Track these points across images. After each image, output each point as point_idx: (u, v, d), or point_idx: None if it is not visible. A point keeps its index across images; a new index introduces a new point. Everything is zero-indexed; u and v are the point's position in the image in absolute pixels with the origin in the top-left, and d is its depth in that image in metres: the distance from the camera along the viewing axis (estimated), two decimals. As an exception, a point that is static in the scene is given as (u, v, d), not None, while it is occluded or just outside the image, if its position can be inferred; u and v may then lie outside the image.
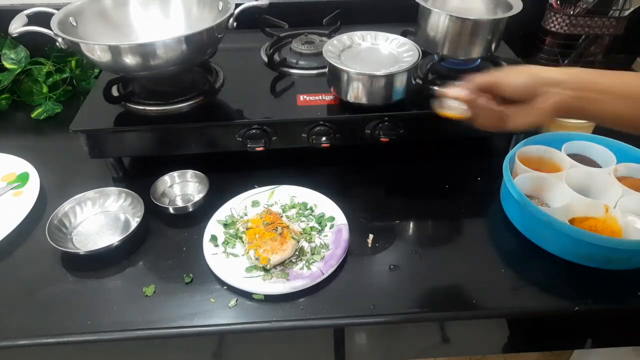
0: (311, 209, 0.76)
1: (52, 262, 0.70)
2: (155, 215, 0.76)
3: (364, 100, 0.78)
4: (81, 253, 0.70)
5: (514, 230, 0.73)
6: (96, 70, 1.09)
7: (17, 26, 0.74)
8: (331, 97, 0.83)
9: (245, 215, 0.76)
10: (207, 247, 0.70)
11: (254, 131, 0.79)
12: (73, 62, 1.08)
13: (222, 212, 0.75)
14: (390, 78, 0.76)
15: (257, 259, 0.67)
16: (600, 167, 0.78)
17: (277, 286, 0.64)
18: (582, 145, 0.81)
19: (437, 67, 0.89)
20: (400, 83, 0.77)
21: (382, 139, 0.80)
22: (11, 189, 0.82)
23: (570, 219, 0.70)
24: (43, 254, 0.71)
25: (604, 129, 0.80)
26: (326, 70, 0.81)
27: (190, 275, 0.68)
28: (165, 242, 0.73)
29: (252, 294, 0.65)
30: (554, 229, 0.66)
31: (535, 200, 0.76)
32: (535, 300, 0.64)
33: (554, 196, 0.74)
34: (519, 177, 0.74)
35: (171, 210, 0.76)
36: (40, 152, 0.91)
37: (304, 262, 0.68)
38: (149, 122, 0.80)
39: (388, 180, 0.84)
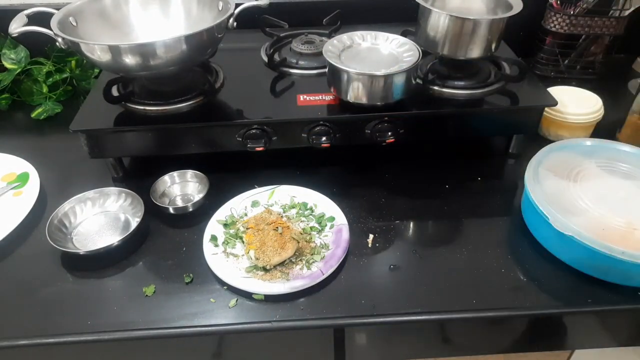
0: (311, 209, 0.76)
1: (52, 262, 0.70)
2: (155, 215, 0.76)
3: (364, 100, 0.78)
4: (81, 253, 0.70)
5: (515, 230, 0.74)
6: (96, 70, 1.09)
7: (17, 26, 0.74)
8: (331, 97, 0.83)
9: (245, 215, 0.76)
10: (207, 247, 0.70)
11: (254, 131, 0.79)
12: (73, 62, 1.08)
13: (222, 212, 0.75)
14: (390, 78, 0.76)
15: (257, 259, 0.67)
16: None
17: (277, 286, 0.64)
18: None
19: (437, 67, 0.89)
20: (400, 83, 0.77)
21: (384, 140, 0.80)
22: (11, 189, 0.82)
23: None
24: (43, 254, 0.71)
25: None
26: (326, 70, 0.81)
27: (190, 275, 0.68)
28: (165, 242, 0.73)
29: (252, 294, 0.65)
30: (577, 244, 0.64)
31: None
32: (536, 300, 0.64)
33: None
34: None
35: (171, 210, 0.76)
36: (40, 152, 0.91)
37: (304, 262, 0.68)
38: (149, 122, 0.80)
39: (388, 180, 0.84)
